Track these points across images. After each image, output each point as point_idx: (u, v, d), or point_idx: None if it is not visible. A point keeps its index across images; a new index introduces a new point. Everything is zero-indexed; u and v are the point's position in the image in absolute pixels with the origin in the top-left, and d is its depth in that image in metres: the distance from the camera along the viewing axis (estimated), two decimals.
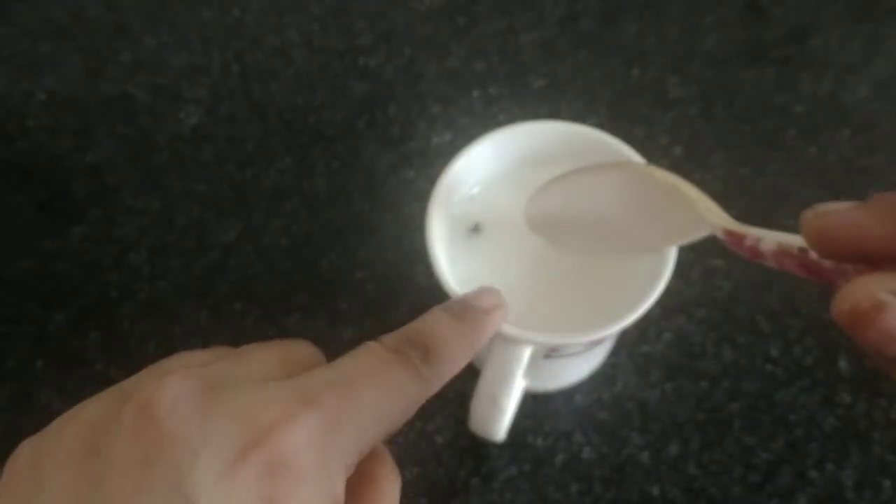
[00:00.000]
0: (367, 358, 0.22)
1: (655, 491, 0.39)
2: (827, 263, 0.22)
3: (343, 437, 0.19)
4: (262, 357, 0.22)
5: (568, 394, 0.41)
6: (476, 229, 0.36)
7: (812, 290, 0.43)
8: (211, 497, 0.17)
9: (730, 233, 0.25)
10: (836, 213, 0.20)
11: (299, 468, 0.18)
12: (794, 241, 0.23)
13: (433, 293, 0.43)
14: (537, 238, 0.35)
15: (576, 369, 0.40)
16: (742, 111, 0.48)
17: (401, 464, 0.40)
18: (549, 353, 0.34)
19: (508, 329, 0.31)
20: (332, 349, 0.23)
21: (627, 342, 0.42)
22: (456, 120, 0.48)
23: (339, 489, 0.19)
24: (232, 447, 0.18)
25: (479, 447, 0.40)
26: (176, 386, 0.19)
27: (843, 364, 0.41)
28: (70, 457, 0.19)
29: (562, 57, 0.50)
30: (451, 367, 0.24)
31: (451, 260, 0.35)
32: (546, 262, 0.35)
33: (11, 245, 0.45)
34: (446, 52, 0.50)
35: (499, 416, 0.33)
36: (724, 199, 0.45)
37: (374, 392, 0.21)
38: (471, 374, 0.40)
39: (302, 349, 0.23)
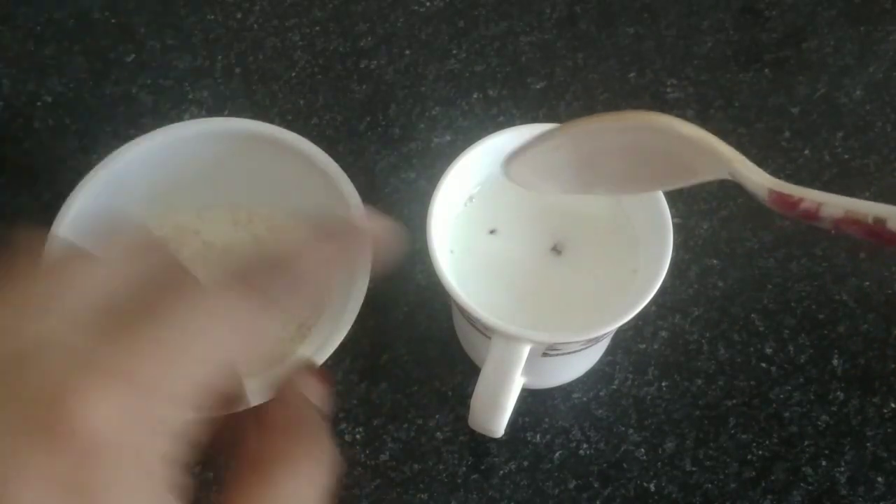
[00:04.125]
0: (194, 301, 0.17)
1: (652, 487, 0.40)
2: None
3: (162, 409, 0.15)
4: (83, 282, 0.17)
5: (566, 391, 0.42)
6: (476, 229, 0.36)
7: (807, 290, 0.44)
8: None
9: (780, 195, 0.24)
10: None
11: (96, 458, 0.14)
12: (870, 210, 0.22)
13: (433, 293, 0.44)
14: (536, 238, 0.36)
15: (573, 367, 0.41)
16: (738, 113, 0.49)
17: (401, 460, 0.40)
18: (548, 352, 0.34)
19: (508, 327, 0.32)
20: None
21: (624, 340, 0.42)
22: (456, 121, 0.49)
23: (166, 468, 0.16)
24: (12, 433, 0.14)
25: (478, 443, 0.40)
26: None
27: (836, 362, 0.42)
28: None
29: (560, 59, 0.50)
30: (306, 283, 0.19)
31: (451, 259, 0.35)
32: (544, 261, 0.36)
33: (13, 245, 0.45)
34: (446, 55, 0.51)
35: (498, 413, 0.33)
36: (720, 199, 0.46)
37: (201, 342, 0.16)
38: (471, 372, 0.41)
39: (151, 251, 0.19)
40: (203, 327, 0.16)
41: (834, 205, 0.23)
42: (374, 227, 0.22)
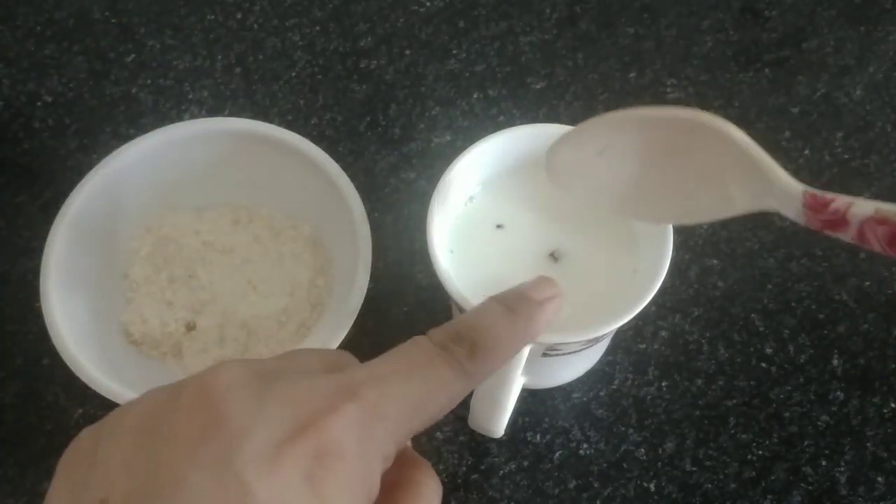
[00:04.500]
0: (413, 353, 0.23)
1: (652, 487, 0.40)
2: None
3: (381, 428, 0.21)
4: (308, 358, 0.23)
5: (566, 391, 0.42)
6: (476, 229, 0.36)
7: (807, 290, 0.44)
8: (259, 473, 0.18)
9: (814, 197, 0.25)
10: None
11: (340, 453, 0.20)
12: None
13: (433, 293, 0.44)
14: (536, 238, 0.36)
15: (573, 367, 0.41)
16: (738, 113, 0.49)
17: None
18: (548, 352, 0.34)
19: None
20: None
21: (624, 340, 0.43)
22: (456, 121, 0.49)
23: (376, 476, 0.21)
24: (281, 430, 0.19)
25: (478, 443, 0.40)
26: (232, 372, 0.20)
27: (836, 362, 0.42)
28: (128, 435, 0.20)
29: (560, 59, 0.50)
30: (498, 362, 0.24)
31: (451, 260, 0.35)
32: (544, 262, 0.36)
33: (16, 245, 0.46)
34: (446, 55, 0.51)
35: (498, 413, 0.33)
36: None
37: (414, 387, 0.22)
38: None
39: (342, 354, 0.25)
40: (425, 388, 0.22)
41: (864, 204, 0.23)
42: (544, 294, 0.27)
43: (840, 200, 0.24)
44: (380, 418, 0.21)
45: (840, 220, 0.24)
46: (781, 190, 0.26)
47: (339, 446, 0.20)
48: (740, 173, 0.27)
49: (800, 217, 0.25)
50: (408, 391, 0.22)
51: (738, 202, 0.28)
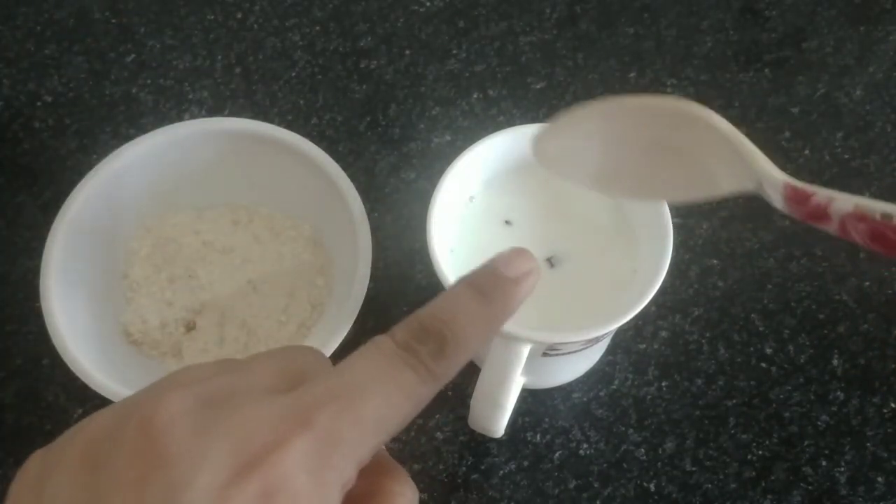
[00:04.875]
0: (373, 358, 0.21)
1: (652, 487, 0.40)
2: None
3: (338, 454, 0.19)
4: (266, 368, 0.22)
5: (566, 391, 0.42)
6: (476, 229, 0.36)
7: (807, 290, 0.44)
8: None
9: (794, 189, 0.24)
10: None
11: (291, 491, 0.18)
12: (878, 206, 0.22)
13: (433, 293, 0.44)
14: (537, 238, 0.36)
15: (573, 367, 0.41)
16: (738, 113, 0.49)
17: (401, 460, 0.40)
18: (548, 352, 0.34)
19: (508, 327, 0.32)
20: None
21: (624, 340, 0.43)
22: (456, 121, 0.49)
23: None
24: (226, 470, 0.18)
25: (478, 443, 0.40)
26: (174, 404, 0.19)
27: (836, 362, 0.42)
28: (73, 471, 0.19)
29: (560, 59, 0.50)
30: (469, 354, 0.22)
31: (451, 259, 0.35)
32: (545, 261, 0.36)
33: (16, 245, 0.46)
34: (446, 55, 0.51)
35: (498, 413, 0.33)
36: (720, 199, 0.46)
37: (375, 401, 0.20)
38: (471, 372, 0.41)
39: (306, 356, 0.23)
40: (386, 403, 0.20)
41: (845, 200, 0.23)
42: (520, 269, 0.24)
43: (821, 195, 0.23)
44: (336, 444, 0.19)
45: (822, 214, 0.23)
46: (764, 179, 0.26)
47: (290, 483, 0.18)
48: (725, 160, 0.27)
49: (784, 207, 0.25)
50: (366, 408, 0.20)
51: (723, 184, 0.28)
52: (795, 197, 0.24)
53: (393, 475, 0.23)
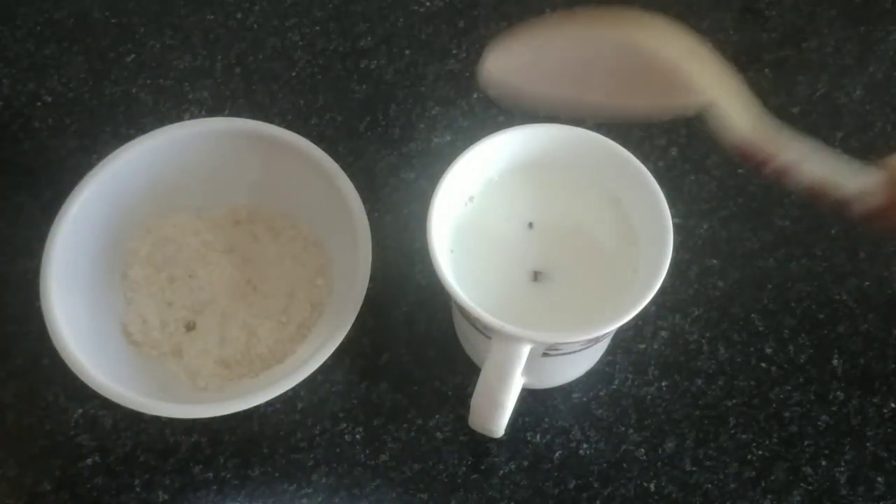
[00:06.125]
0: None
1: (652, 487, 0.40)
2: None
3: None
4: None
5: (566, 391, 0.42)
6: (476, 229, 0.36)
7: (807, 290, 0.44)
8: None
9: (742, 151, 0.26)
10: None
11: None
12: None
13: (433, 293, 0.44)
14: (536, 238, 0.36)
15: (573, 367, 0.41)
16: None
17: (401, 460, 0.40)
18: (548, 352, 0.34)
19: (508, 327, 0.32)
20: None
21: (624, 340, 0.43)
22: (456, 121, 0.49)
23: None
24: None
25: (478, 443, 0.40)
26: None
27: (836, 362, 0.42)
28: None
29: None
30: None
31: (451, 260, 0.35)
32: (545, 261, 0.36)
33: (16, 245, 0.46)
34: (446, 55, 0.51)
35: (498, 413, 0.33)
36: (720, 199, 0.46)
37: None
38: (471, 372, 0.41)
39: None
40: None
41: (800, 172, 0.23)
42: None
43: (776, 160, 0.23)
44: None
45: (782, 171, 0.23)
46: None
47: None
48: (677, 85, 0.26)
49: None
50: None
51: (691, 97, 0.27)
52: (744, 154, 0.24)
53: None
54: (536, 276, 0.35)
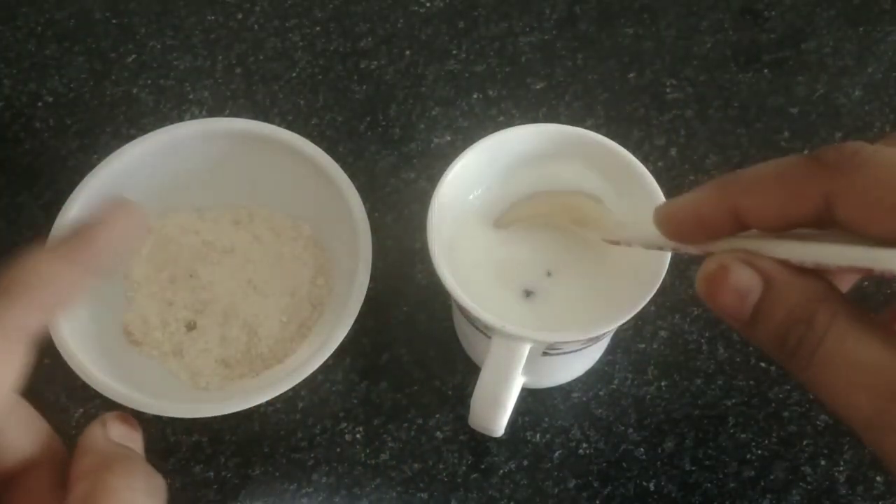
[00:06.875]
0: None
1: (651, 486, 0.40)
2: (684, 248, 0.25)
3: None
4: None
5: (566, 391, 0.42)
6: (476, 229, 0.36)
7: None
8: None
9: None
10: (678, 200, 0.23)
11: None
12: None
13: (433, 293, 0.44)
14: (536, 238, 0.36)
15: (573, 367, 0.41)
16: (737, 113, 0.49)
17: (401, 460, 0.40)
18: (548, 351, 0.34)
19: (508, 327, 0.32)
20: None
21: (624, 340, 0.43)
22: (456, 121, 0.49)
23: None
24: None
25: (478, 443, 0.41)
26: None
27: None
28: None
29: (560, 60, 0.50)
30: (49, 312, 0.22)
31: (451, 260, 0.35)
32: (545, 261, 0.36)
33: (16, 245, 0.46)
34: (446, 55, 0.51)
35: (498, 413, 0.33)
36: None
37: None
38: (470, 372, 0.41)
39: None
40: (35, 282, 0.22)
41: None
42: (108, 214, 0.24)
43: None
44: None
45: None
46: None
47: None
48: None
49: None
50: None
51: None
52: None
53: (113, 469, 0.23)
54: (537, 274, 0.35)
